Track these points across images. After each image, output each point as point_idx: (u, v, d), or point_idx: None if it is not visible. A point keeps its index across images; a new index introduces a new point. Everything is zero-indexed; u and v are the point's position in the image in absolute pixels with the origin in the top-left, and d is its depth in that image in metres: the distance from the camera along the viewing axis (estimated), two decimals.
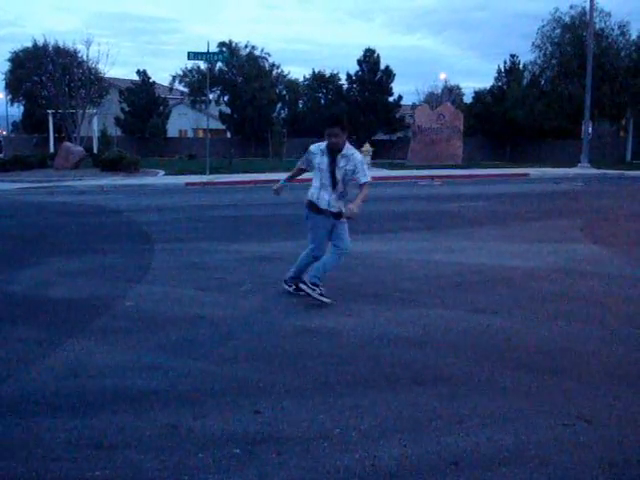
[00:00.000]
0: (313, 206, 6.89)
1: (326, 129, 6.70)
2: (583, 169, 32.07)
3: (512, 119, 44.17)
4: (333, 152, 6.73)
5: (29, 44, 52.96)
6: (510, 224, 12.85)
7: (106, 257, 9.56)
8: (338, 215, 6.82)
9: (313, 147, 6.94)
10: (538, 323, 6.16)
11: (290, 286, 7.21)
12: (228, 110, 53.05)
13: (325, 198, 6.82)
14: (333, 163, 6.73)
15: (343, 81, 52.36)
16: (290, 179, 7.28)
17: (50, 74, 38.11)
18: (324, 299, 6.72)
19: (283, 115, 54.12)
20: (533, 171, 29.51)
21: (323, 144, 6.83)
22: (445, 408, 4.23)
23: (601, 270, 8.54)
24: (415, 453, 3.67)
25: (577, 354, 5.32)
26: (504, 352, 5.35)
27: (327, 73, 53.83)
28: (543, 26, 43.55)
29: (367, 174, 6.80)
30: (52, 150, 39.43)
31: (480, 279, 7.99)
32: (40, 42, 50.74)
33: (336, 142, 6.66)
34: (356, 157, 6.76)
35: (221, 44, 51.84)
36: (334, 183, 6.76)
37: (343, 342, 5.60)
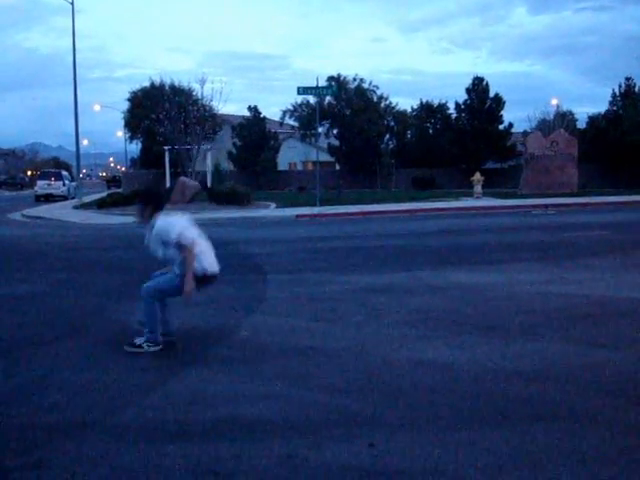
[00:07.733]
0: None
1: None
2: None
3: (629, 144, 42.49)
4: None
5: (147, 84, 55.72)
6: (630, 254, 12.32)
7: (222, 288, 9.80)
8: None
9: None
10: None
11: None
12: (337, 142, 53.64)
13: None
14: None
15: (452, 110, 52.02)
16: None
17: (166, 112, 39.67)
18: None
19: (391, 146, 54.18)
20: None
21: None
22: (565, 446, 4.08)
23: None
24: None
25: None
26: (627, 388, 5.11)
27: (435, 103, 53.67)
28: None
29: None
30: (168, 185, 40.94)
31: (600, 312, 7.69)
32: (157, 82, 53.37)
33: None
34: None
35: (330, 78, 52.65)
36: None
37: (457, 376, 5.50)
